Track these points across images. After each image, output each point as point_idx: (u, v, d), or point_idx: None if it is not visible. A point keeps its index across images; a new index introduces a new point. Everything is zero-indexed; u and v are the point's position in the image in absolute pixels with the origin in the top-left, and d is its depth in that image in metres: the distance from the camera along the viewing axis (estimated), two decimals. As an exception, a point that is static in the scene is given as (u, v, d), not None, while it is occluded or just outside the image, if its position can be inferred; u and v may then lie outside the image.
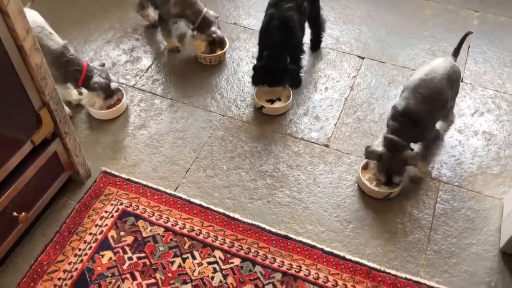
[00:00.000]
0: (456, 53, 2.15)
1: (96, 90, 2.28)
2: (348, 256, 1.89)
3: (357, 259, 1.89)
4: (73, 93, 2.44)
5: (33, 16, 2.16)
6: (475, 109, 2.48)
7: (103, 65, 2.37)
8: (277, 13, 2.36)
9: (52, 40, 2.17)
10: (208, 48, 2.63)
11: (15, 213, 1.74)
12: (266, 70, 2.40)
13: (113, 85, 2.33)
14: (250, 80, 2.58)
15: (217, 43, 2.63)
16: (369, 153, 2.03)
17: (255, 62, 2.56)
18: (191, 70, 2.70)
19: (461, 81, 2.60)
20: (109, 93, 2.33)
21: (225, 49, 2.70)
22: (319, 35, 2.75)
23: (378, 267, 1.86)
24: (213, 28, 2.59)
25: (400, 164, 1.99)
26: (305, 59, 2.68)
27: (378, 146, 2.02)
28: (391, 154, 1.97)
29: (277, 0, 2.39)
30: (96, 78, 2.27)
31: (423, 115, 1.93)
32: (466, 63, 2.73)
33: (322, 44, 2.81)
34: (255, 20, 3.00)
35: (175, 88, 2.58)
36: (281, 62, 2.39)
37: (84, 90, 2.36)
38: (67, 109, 2.35)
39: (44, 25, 2.19)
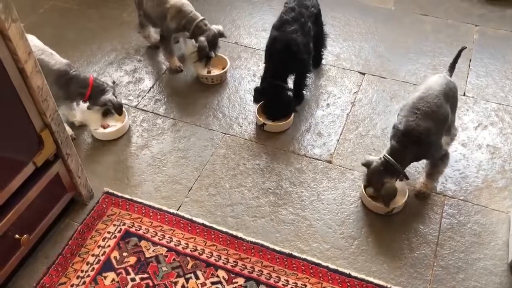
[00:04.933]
0: (452, 68, 2.16)
1: (106, 105, 2.28)
2: (353, 274, 1.86)
3: (363, 277, 1.86)
4: (77, 115, 2.45)
5: (33, 41, 2.18)
6: (478, 123, 2.47)
7: (113, 83, 2.38)
8: (281, 36, 2.32)
9: (54, 60, 2.19)
10: (193, 56, 2.61)
11: (17, 236, 1.73)
12: (267, 103, 2.42)
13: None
14: (252, 98, 2.59)
15: (197, 52, 2.56)
16: (365, 161, 2.04)
17: (259, 78, 2.57)
18: (193, 89, 2.71)
19: (464, 95, 2.60)
20: (119, 112, 2.33)
21: (226, 68, 2.72)
22: (320, 52, 2.77)
23: (384, 284, 1.83)
24: (201, 37, 2.54)
25: (377, 182, 1.98)
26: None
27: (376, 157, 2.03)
28: (380, 170, 1.96)
29: (281, 22, 2.37)
30: (110, 96, 2.28)
31: (424, 132, 1.91)
32: (467, 77, 2.73)
33: (323, 61, 2.82)
34: (255, 39, 3.03)
35: (177, 108, 2.59)
36: (282, 97, 2.38)
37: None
38: (69, 130, 2.37)
39: (45, 48, 2.22)
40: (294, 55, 2.34)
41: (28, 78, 1.57)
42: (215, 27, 2.62)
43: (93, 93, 2.27)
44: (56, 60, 2.20)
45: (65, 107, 2.38)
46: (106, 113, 2.33)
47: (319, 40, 2.69)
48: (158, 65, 2.88)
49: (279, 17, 2.41)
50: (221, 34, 2.65)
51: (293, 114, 2.46)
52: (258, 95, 2.43)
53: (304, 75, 2.51)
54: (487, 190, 2.16)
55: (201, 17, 2.59)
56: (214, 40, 2.60)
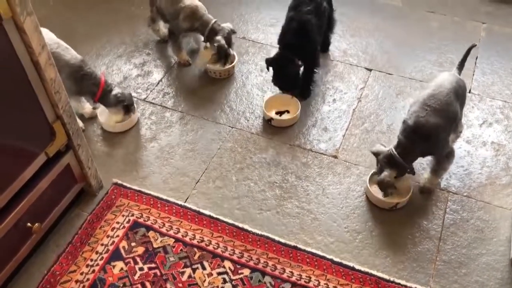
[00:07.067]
0: (461, 66, 2.17)
1: (118, 102, 2.32)
2: (357, 267, 1.90)
3: (367, 270, 1.89)
4: (86, 107, 2.49)
5: (47, 34, 2.22)
6: (483, 120, 2.49)
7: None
8: (296, 16, 2.42)
9: (70, 54, 2.24)
10: (214, 58, 2.67)
11: (29, 224, 1.78)
12: (276, 71, 2.49)
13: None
14: (259, 93, 2.63)
15: (217, 51, 2.63)
16: (375, 151, 2.07)
17: (267, 74, 2.63)
18: (201, 83, 2.74)
19: (469, 92, 2.62)
20: (131, 103, 2.38)
21: (234, 63, 2.75)
22: (328, 37, 2.82)
23: (387, 277, 1.87)
24: (217, 37, 2.61)
25: (380, 172, 2.03)
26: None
27: (384, 147, 2.06)
28: (384, 161, 2.00)
29: (296, 3, 2.46)
30: (117, 90, 2.33)
31: (434, 128, 1.93)
32: (474, 74, 2.74)
33: (330, 57, 2.85)
34: (263, 34, 3.05)
35: (185, 101, 2.62)
36: (290, 67, 2.45)
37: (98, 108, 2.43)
38: (80, 122, 2.40)
39: (60, 41, 2.25)
40: (308, 36, 2.41)
41: (41, 70, 1.60)
42: (226, 25, 2.67)
43: (103, 93, 2.31)
44: (72, 54, 2.24)
45: (74, 99, 2.42)
46: (127, 111, 2.39)
47: (328, 23, 2.73)
48: (167, 59, 2.91)
49: None
50: (232, 31, 2.71)
51: (299, 109, 2.49)
52: (268, 64, 2.51)
53: (312, 69, 2.55)
54: (490, 186, 2.19)
55: (213, 20, 2.63)
56: (229, 37, 2.67)
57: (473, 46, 2.19)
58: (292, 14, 2.44)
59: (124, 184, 2.19)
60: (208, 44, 2.66)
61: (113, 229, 2.02)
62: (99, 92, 2.30)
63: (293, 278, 1.86)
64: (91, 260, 1.92)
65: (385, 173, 1.98)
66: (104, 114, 2.45)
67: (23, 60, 1.53)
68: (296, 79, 2.53)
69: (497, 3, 3.25)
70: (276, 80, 2.55)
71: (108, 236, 1.99)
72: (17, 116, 1.60)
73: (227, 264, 1.91)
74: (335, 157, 2.33)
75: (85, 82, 2.27)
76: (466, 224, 2.05)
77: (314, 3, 2.44)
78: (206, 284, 1.85)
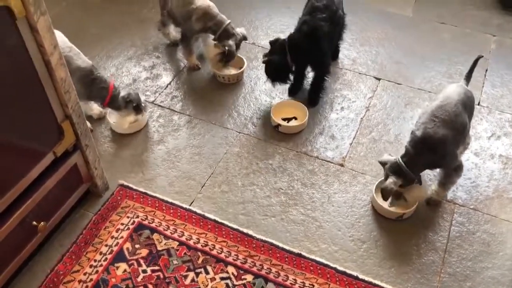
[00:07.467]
0: (468, 77, 2.16)
1: (127, 103, 2.33)
2: (361, 276, 1.88)
3: (370, 280, 1.88)
4: (94, 108, 2.51)
5: (61, 37, 2.24)
6: (492, 133, 2.48)
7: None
8: (310, 21, 2.42)
9: (81, 59, 2.26)
10: (217, 57, 2.66)
11: (34, 222, 1.78)
12: (268, 52, 2.51)
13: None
14: (267, 99, 2.62)
15: (226, 55, 2.63)
16: (382, 160, 2.05)
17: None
18: (209, 88, 2.75)
19: (478, 104, 2.60)
20: (139, 102, 2.38)
21: (243, 68, 2.75)
22: (338, 45, 2.82)
23: (391, 288, 1.86)
24: (230, 41, 2.61)
25: (385, 178, 2.00)
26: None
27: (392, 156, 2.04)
28: (390, 169, 1.98)
29: (311, 8, 2.46)
30: (124, 92, 2.34)
31: (441, 139, 1.92)
32: (483, 86, 2.73)
33: (339, 65, 2.85)
34: (273, 40, 3.05)
35: (193, 105, 2.63)
36: (276, 56, 2.45)
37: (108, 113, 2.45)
38: (87, 123, 2.41)
39: (72, 45, 2.27)
40: (318, 42, 2.41)
41: (52, 70, 1.62)
42: (240, 31, 2.68)
43: (112, 97, 2.32)
44: (83, 59, 2.26)
45: (83, 102, 2.43)
46: (138, 110, 2.39)
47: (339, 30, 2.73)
48: (176, 62, 2.92)
49: (310, 4, 2.50)
50: (244, 38, 2.72)
51: (307, 116, 2.48)
52: (271, 42, 2.52)
53: (322, 76, 2.54)
54: (498, 200, 2.17)
55: (228, 21, 2.63)
56: (239, 44, 2.68)
57: (480, 57, 2.18)
58: (306, 18, 2.44)
59: (130, 185, 2.19)
60: (217, 43, 2.66)
61: (117, 230, 2.02)
62: (109, 96, 2.31)
63: (296, 286, 1.86)
64: (95, 260, 1.92)
65: (390, 180, 1.96)
66: (114, 115, 2.46)
67: (35, 59, 1.55)
68: (275, 72, 2.50)
69: (508, 16, 3.25)
70: (266, 70, 2.55)
71: (112, 237, 1.99)
72: (27, 115, 1.61)
73: (231, 269, 1.90)
74: (342, 165, 2.32)
75: (95, 86, 2.28)
76: (472, 237, 2.04)
77: (329, 11, 2.44)
78: (208, 288, 1.84)
